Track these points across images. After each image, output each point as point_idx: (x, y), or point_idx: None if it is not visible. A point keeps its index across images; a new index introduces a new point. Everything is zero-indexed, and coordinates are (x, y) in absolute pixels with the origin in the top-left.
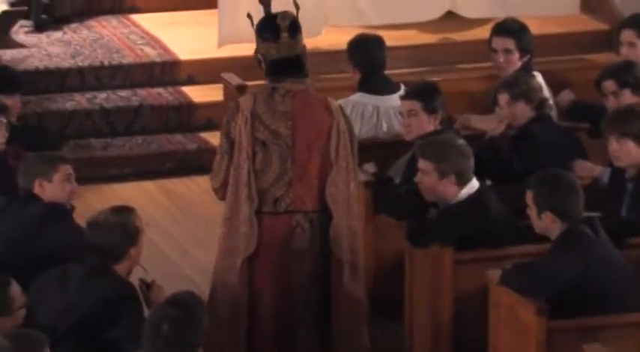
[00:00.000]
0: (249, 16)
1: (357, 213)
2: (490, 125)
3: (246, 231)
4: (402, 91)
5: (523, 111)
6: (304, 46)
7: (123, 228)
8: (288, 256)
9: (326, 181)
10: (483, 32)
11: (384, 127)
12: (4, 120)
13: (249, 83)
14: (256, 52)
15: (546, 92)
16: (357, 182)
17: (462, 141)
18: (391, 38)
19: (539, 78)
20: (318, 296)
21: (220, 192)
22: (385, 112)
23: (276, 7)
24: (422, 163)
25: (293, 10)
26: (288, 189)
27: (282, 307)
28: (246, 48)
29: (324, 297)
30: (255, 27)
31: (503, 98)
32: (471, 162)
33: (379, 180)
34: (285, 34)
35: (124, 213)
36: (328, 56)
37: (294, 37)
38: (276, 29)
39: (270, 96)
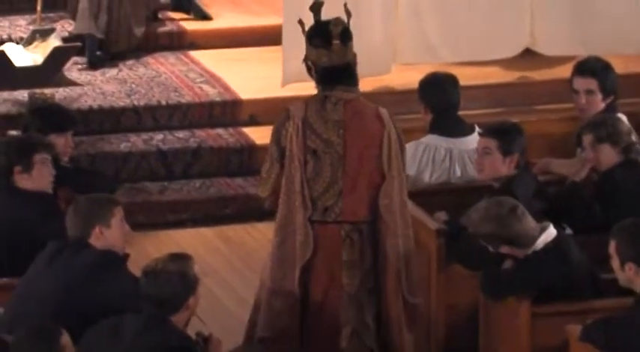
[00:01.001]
0: (300, 22)
1: (410, 221)
2: (572, 169)
3: (302, 239)
4: (477, 132)
5: (608, 155)
6: (355, 54)
7: (182, 277)
8: (339, 266)
9: (376, 191)
10: (564, 71)
11: (458, 172)
12: (49, 157)
13: None
14: (306, 59)
15: (633, 136)
16: (407, 190)
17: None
18: (465, 77)
19: (625, 120)
20: (370, 306)
21: (268, 200)
22: (458, 156)
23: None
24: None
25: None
26: (338, 199)
27: (333, 316)
28: (311, 87)
29: (375, 308)
30: (305, 33)
31: (587, 139)
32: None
33: (452, 229)
34: (337, 42)
35: (182, 260)
36: (398, 95)
37: (346, 44)
38: (327, 36)
39: (322, 105)
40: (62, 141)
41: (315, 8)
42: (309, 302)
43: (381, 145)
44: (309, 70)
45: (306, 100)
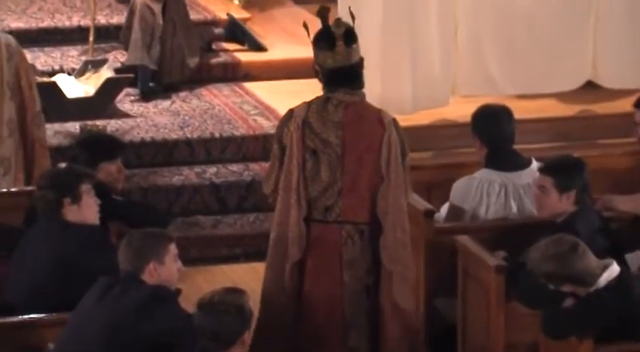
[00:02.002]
0: (305, 25)
1: (407, 226)
2: (635, 206)
3: (294, 237)
4: (533, 166)
5: None
6: (362, 58)
7: (238, 311)
8: (340, 265)
9: (375, 190)
10: (626, 104)
11: (514, 208)
12: (89, 186)
13: None
14: (314, 62)
15: None
16: (409, 195)
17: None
18: (525, 110)
19: None
20: (370, 305)
21: (271, 197)
22: (514, 190)
23: None
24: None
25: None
26: (338, 199)
27: (333, 314)
28: None
29: (376, 307)
30: (312, 39)
31: None
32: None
33: (512, 266)
34: (340, 43)
35: (238, 294)
36: (457, 128)
37: (350, 46)
38: (330, 37)
39: (324, 106)
40: (114, 168)
41: (322, 13)
42: (304, 298)
43: (380, 148)
44: (316, 73)
45: (310, 101)
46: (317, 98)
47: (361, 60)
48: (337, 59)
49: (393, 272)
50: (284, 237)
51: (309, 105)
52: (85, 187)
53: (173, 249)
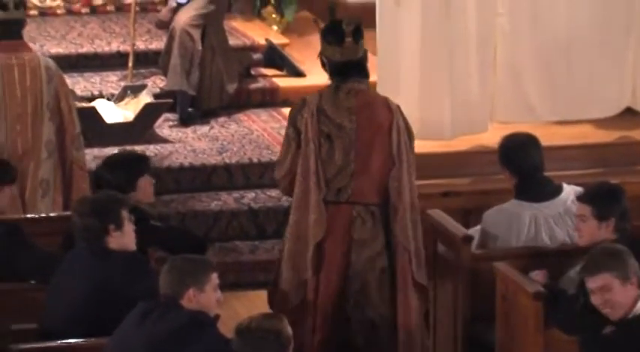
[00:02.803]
0: (315, 20)
1: (418, 206)
2: None
3: (316, 218)
4: (564, 193)
5: None
6: (366, 50)
7: (277, 336)
8: (350, 244)
9: (387, 176)
10: None
11: (545, 239)
12: (127, 211)
13: None
14: (321, 54)
15: None
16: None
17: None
18: (564, 136)
19: None
20: (382, 286)
21: (283, 182)
22: (545, 222)
23: None
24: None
25: None
26: (350, 181)
27: (341, 291)
28: None
29: (383, 284)
30: (320, 31)
31: None
32: None
33: (551, 292)
34: (349, 39)
35: (276, 319)
36: (494, 155)
37: (357, 42)
38: (341, 34)
39: (335, 94)
40: (150, 181)
41: (331, 9)
42: (320, 277)
43: (390, 132)
44: (323, 65)
45: (320, 91)
46: (327, 87)
47: (365, 52)
48: (345, 53)
49: (411, 250)
50: (305, 219)
51: (320, 94)
52: (125, 213)
53: (215, 278)
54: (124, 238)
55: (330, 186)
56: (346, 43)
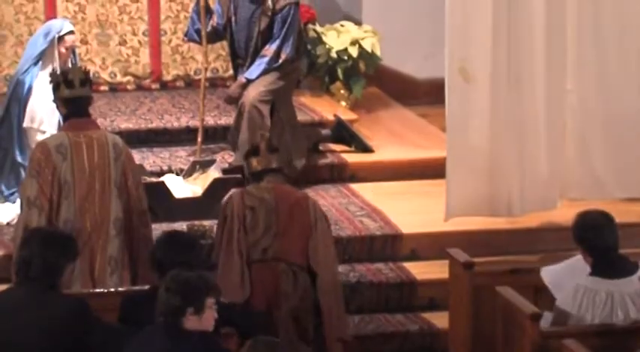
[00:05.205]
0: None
1: (337, 271)
2: None
3: (238, 281)
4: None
5: None
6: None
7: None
8: (277, 297)
9: (306, 242)
10: None
11: (620, 316)
12: (214, 300)
13: (476, 259)
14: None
15: None
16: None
17: None
18: (635, 214)
19: None
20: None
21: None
22: (620, 299)
23: None
24: None
25: None
26: (274, 241)
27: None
28: (474, 221)
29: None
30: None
31: None
32: None
33: None
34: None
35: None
36: (565, 232)
37: (272, 154)
38: (257, 148)
39: (257, 184)
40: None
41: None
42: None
43: (308, 208)
44: (244, 175)
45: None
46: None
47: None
48: (262, 163)
49: (331, 308)
50: (229, 282)
51: (244, 188)
52: (210, 301)
53: None
54: (201, 323)
55: (256, 247)
56: (261, 155)
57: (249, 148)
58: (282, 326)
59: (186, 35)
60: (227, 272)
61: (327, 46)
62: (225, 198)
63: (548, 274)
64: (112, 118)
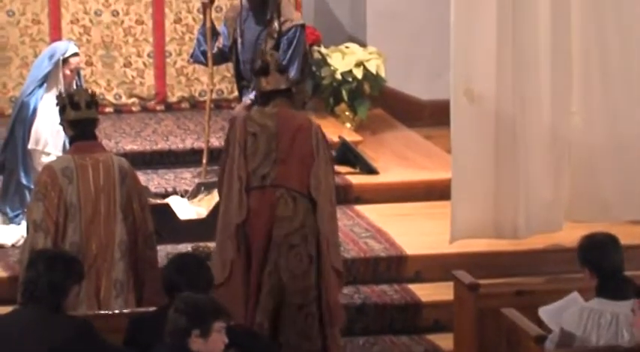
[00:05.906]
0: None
1: (335, 201)
2: None
3: (236, 203)
4: None
5: None
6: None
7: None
8: (273, 221)
9: (306, 170)
10: None
11: (626, 336)
12: (223, 325)
13: (481, 281)
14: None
15: None
16: (334, 174)
17: None
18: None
19: None
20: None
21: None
22: (625, 320)
23: None
24: None
25: None
26: (273, 167)
27: (263, 261)
28: (479, 243)
29: (311, 270)
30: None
31: None
32: None
33: None
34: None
35: None
36: (570, 254)
37: (282, 74)
38: (267, 67)
39: (262, 109)
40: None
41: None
42: (250, 251)
43: (310, 135)
44: (256, 97)
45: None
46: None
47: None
48: (271, 83)
49: (328, 239)
50: (230, 207)
51: (250, 111)
52: (218, 325)
53: None
54: (208, 345)
55: (255, 173)
56: (271, 75)
57: (260, 65)
58: (288, 323)
59: (191, 56)
60: (229, 196)
61: (332, 68)
62: (229, 122)
63: (547, 314)
64: (117, 140)
